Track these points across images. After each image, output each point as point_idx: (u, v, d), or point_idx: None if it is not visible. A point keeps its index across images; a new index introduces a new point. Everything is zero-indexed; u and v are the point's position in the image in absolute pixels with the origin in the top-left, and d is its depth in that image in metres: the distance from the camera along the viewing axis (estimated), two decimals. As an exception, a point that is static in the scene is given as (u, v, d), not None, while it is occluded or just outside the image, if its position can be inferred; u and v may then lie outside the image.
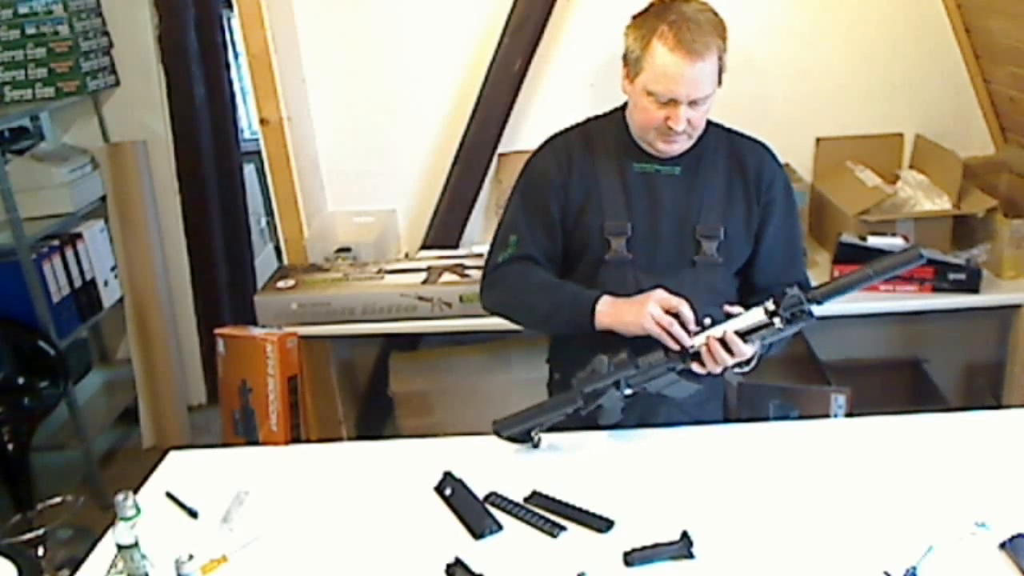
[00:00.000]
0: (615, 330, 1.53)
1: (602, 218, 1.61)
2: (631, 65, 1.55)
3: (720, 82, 1.54)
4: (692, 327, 1.49)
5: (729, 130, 1.68)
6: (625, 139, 1.64)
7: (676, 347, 1.49)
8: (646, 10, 1.55)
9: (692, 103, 1.51)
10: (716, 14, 1.53)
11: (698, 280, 1.59)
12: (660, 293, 1.51)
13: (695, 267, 1.60)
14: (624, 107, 1.66)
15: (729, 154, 1.64)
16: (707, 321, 1.49)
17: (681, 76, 1.47)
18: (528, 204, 1.66)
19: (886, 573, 1.24)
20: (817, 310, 1.44)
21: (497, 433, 1.62)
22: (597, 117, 1.71)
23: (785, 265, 1.68)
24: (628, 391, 1.55)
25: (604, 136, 1.66)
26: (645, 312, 1.48)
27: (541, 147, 1.70)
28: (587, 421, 1.62)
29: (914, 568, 1.24)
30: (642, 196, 1.61)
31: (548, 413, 1.60)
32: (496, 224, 1.75)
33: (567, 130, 1.71)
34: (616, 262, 1.60)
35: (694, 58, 1.46)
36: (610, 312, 1.53)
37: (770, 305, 1.44)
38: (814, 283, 1.65)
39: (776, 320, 1.43)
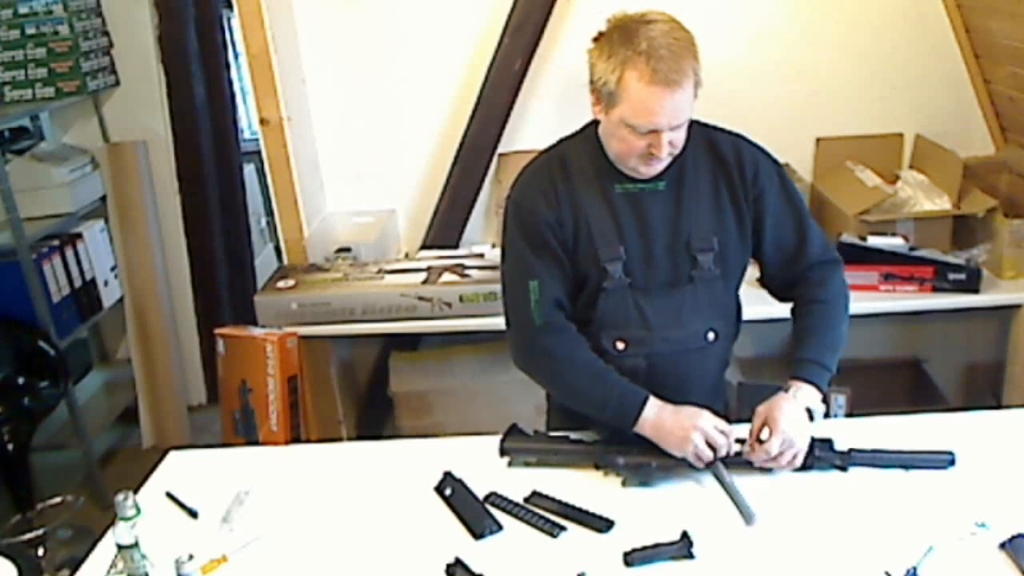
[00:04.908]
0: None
1: (595, 247, 1.55)
2: (604, 97, 1.46)
3: (696, 96, 1.46)
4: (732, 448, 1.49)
5: (705, 125, 1.61)
6: (602, 162, 1.55)
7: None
8: (609, 33, 1.45)
9: (674, 127, 1.45)
10: (683, 28, 1.44)
11: (698, 295, 1.56)
12: (707, 418, 1.48)
13: (693, 283, 1.56)
14: (595, 125, 1.57)
15: (709, 156, 1.58)
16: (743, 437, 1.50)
17: (662, 108, 1.40)
18: (533, 244, 1.56)
19: (886, 573, 1.24)
20: None
21: (503, 453, 1.60)
22: (566, 139, 1.62)
23: (797, 247, 1.62)
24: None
25: (580, 161, 1.57)
26: (689, 445, 1.46)
27: (521, 184, 1.60)
28: (585, 422, 1.62)
29: (914, 568, 1.24)
30: (630, 218, 1.54)
31: (560, 455, 1.59)
32: (500, 261, 1.65)
33: (539, 159, 1.61)
34: (615, 289, 1.55)
35: (673, 88, 1.39)
36: (654, 426, 1.49)
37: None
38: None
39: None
